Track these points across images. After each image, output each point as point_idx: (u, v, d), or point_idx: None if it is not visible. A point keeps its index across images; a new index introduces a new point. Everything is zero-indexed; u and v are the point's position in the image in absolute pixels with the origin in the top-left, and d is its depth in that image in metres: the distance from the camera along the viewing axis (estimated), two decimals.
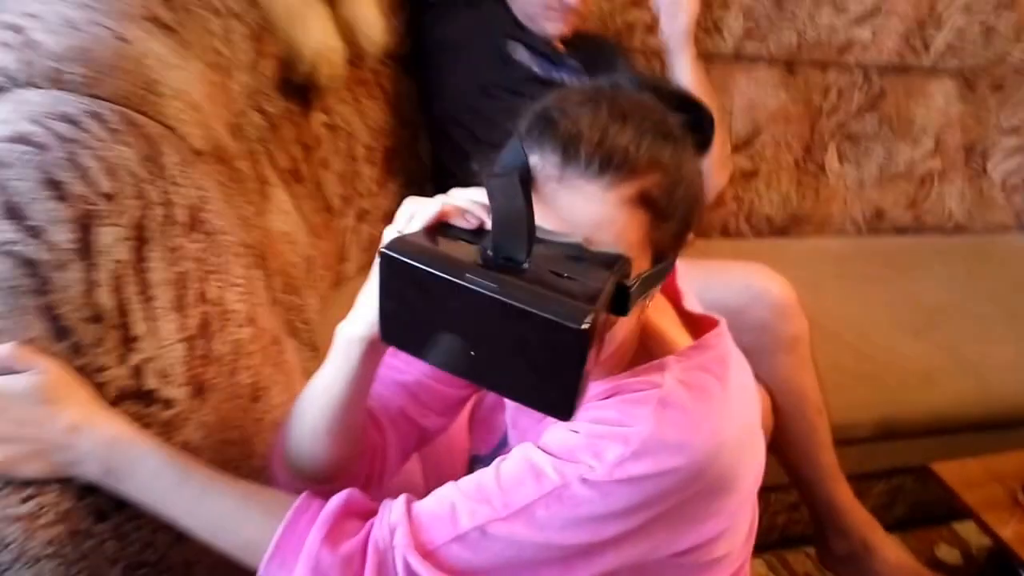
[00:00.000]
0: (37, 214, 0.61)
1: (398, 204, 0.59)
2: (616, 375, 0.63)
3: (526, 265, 0.51)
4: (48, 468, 0.59)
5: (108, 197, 0.65)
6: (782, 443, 1.23)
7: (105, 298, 0.63)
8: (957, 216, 2.02)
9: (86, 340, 0.61)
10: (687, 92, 0.64)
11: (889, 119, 1.92)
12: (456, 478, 0.62)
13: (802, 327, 1.18)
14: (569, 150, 0.55)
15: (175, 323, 0.67)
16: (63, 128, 0.66)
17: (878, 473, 1.49)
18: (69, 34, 0.74)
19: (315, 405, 0.64)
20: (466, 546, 0.58)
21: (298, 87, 1.16)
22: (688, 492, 0.59)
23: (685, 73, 1.34)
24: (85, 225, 0.63)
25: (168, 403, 0.66)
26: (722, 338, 0.65)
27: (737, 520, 0.66)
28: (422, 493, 0.62)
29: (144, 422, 0.64)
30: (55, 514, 0.59)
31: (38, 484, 0.59)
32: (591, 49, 1.42)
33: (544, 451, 0.59)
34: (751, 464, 0.65)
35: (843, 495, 1.24)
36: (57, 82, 0.72)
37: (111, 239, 0.64)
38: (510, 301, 0.48)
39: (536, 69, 1.32)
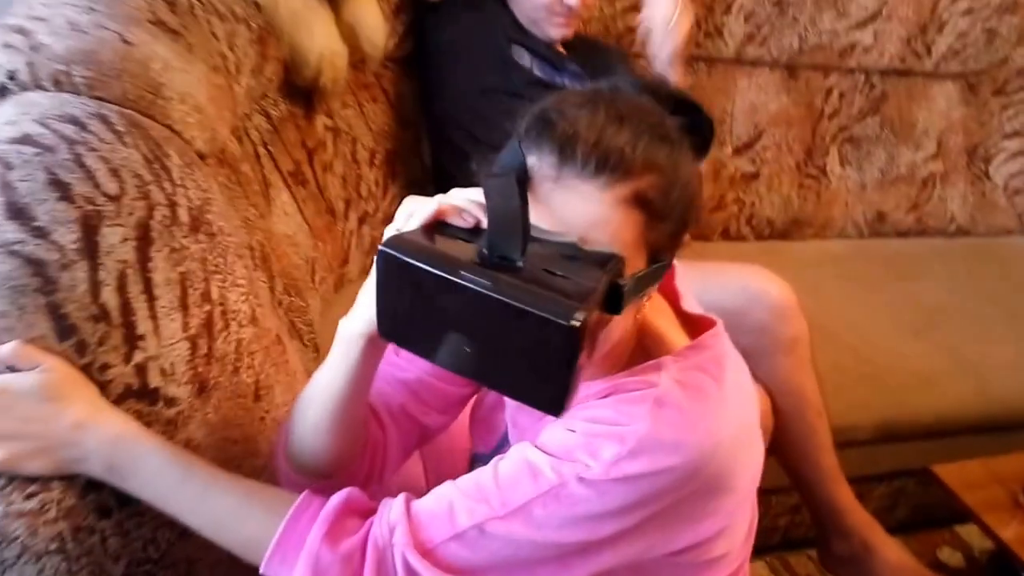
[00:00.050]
0: (43, 214, 0.62)
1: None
2: (614, 375, 0.63)
3: (520, 263, 0.52)
4: (53, 465, 0.60)
5: (113, 198, 0.66)
6: (782, 444, 1.23)
7: (109, 297, 0.63)
8: (959, 219, 2.01)
9: (91, 339, 0.62)
10: (686, 95, 0.64)
11: (891, 122, 1.92)
12: (457, 477, 0.62)
13: (801, 329, 1.18)
14: (566, 150, 0.56)
15: (178, 322, 0.68)
16: (69, 130, 0.67)
17: (879, 476, 1.49)
18: (75, 37, 0.75)
19: (317, 400, 0.64)
20: (464, 544, 0.58)
21: (301, 90, 1.17)
22: (684, 491, 0.59)
23: None
24: (90, 225, 0.64)
25: (171, 401, 0.66)
26: (718, 339, 0.66)
27: (735, 520, 0.67)
28: (424, 492, 0.62)
29: (147, 420, 0.64)
30: (59, 510, 0.59)
31: (42, 481, 0.59)
32: (592, 53, 1.42)
33: (541, 450, 0.60)
34: (748, 464, 0.66)
35: (843, 496, 1.24)
36: (63, 84, 0.72)
37: (116, 239, 0.65)
38: (503, 298, 0.49)
39: (537, 72, 1.32)
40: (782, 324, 1.16)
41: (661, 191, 0.57)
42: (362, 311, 0.60)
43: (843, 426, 1.31)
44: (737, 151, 1.80)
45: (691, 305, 0.71)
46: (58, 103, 0.70)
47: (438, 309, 0.52)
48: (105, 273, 0.63)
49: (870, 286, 1.70)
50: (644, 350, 0.65)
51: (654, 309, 0.68)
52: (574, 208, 0.55)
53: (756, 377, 1.17)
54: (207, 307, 0.72)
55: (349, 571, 0.58)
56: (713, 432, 0.60)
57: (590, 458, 0.57)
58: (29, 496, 0.59)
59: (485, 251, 0.53)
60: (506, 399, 0.76)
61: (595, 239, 0.55)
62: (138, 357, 0.64)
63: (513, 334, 0.50)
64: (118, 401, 0.63)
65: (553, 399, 0.52)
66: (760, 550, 1.46)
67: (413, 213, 0.58)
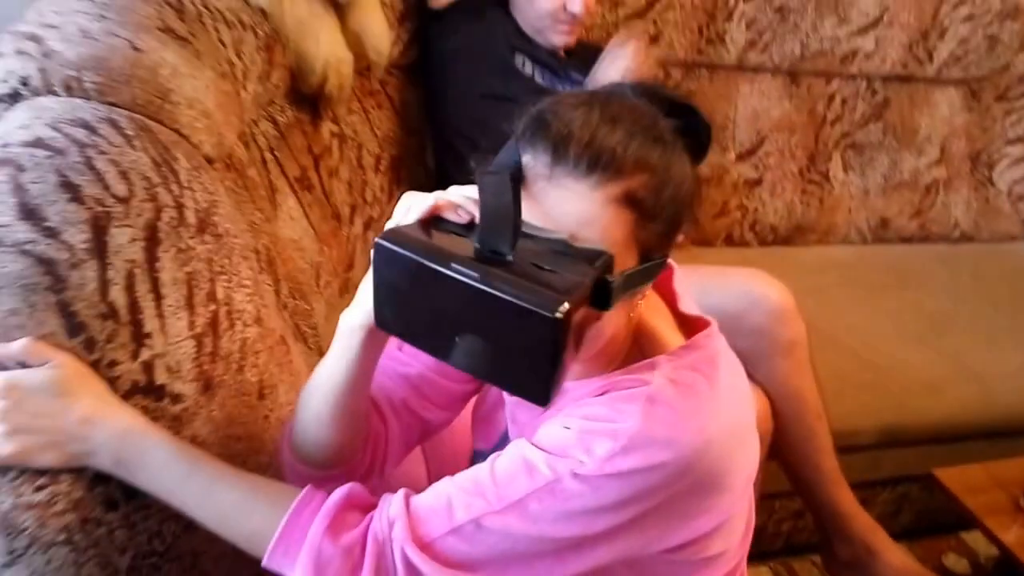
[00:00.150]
0: (54, 215, 0.64)
1: None
2: (609, 373, 0.64)
3: (510, 257, 0.53)
4: (62, 458, 0.61)
5: (122, 200, 0.68)
6: (782, 448, 1.23)
7: (118, 296, 0.65)
8: (963, 225, 2.01)
9: (99, 336, 0.63)
10: (683, 98, 0.65)
11: (893, 128, 1.92)
12: None
13: (800, 332, 1.19)
14: (559, 150, 0.57)
15: (184, 321, 0.70)
16: (80, 134, 0.69)
17: (883, 481, 1.48)
18: (86, 44, 0.77)
19: (319, 391, 0.66)
20: (462, 538, 0.59)
21: (308, 97, 1.19)
22: (677, 487, 0.60)
23: None
24: (99, 226, 0.65)
25: (177, 398, 0.68)
26: (712, 339, 0.67)
27: (732, 518, 0.67)
28: (425, 489, 0.63)
29: (154, 416, 0.66)
30: (67, 502, 0.61)
31: (52, 473, 0.61)
32: (594, 59, 1.43)
33: (537, 447, 0.61)
34: (743, 462, 0.66)
35: (845, 500, 1.24)
36: (74, 90, 0.74)
37: (124, 240, 0.67)
38: (490, 290, 0.51)
39: (539, 79, 1.34)
40: (780, 327, 1.16)
41: (652, 191, 0.58)
42: (362, 303, 0.61)
43: (846, 431, 1.31)
44: (740, 157, 1.81)
45: (688, 306, 0.72)
46: (69, 108, 0.72)
47: (430, 300, 0.54)
48: (114, 272, 0.65)
49: (874, 292, 1.70)
50: (640, 349, 0.66)
51: (650, 309, 0.69)
52: (566, 206, 0.57)
53: (755, 380, 1.18)
54: (213, 306, 0.73)
55: (349, 564, 0.59)
56: (705, 429, 0.60)
57: (584, 454, 0.58)
58: (38, 488, 0.60)
59: (477, 245, 0.54)
60: (505, 396, 0.77)
61: (586, 236, 0.56)
62: (145, 354, 0.66)
63: (500, 325, 0.52)
64: (125, 397, 0.65)
65: (539, 390, 0.53)
66: (764, 555, 1.46)
67: (411, 208, 0.59)
